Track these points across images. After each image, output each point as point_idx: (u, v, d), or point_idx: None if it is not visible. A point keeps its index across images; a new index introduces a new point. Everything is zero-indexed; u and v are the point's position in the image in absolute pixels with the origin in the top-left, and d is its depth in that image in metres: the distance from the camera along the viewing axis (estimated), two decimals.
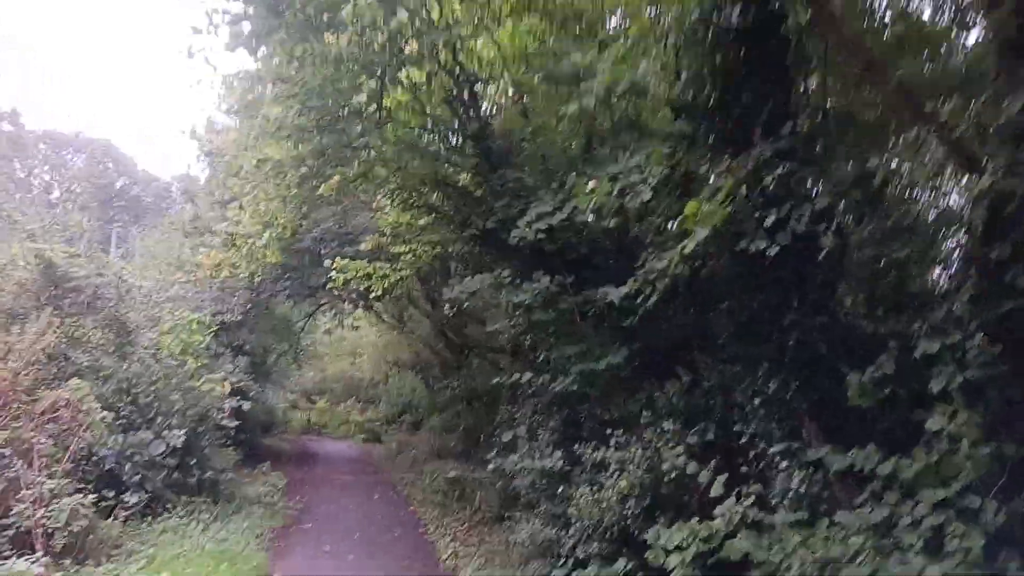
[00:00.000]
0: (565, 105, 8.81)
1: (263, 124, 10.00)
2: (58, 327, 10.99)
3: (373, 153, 10.15)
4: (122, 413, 11.23)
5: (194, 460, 12.31)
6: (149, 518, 11.00)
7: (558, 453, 9.46)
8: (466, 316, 20.24)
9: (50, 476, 8.79)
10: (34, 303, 11.09)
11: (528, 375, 9.63)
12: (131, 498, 10.72)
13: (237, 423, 16.44)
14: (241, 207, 13.10)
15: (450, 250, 15.99)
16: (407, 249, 16.21)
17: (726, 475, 6.98)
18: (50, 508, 7.94)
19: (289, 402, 34.56)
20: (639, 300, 7.63)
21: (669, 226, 7.49)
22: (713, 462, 7.26)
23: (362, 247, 16.27)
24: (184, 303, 15.52)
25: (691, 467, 7.38)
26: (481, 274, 9.33)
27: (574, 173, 9.39)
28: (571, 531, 8.83)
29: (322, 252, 17.63)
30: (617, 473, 8.22)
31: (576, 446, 9.57)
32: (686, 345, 8.88)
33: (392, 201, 13.18)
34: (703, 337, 8.58)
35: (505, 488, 13.86)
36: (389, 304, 27.10)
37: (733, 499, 6.70)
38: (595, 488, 8.42)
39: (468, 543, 12.24)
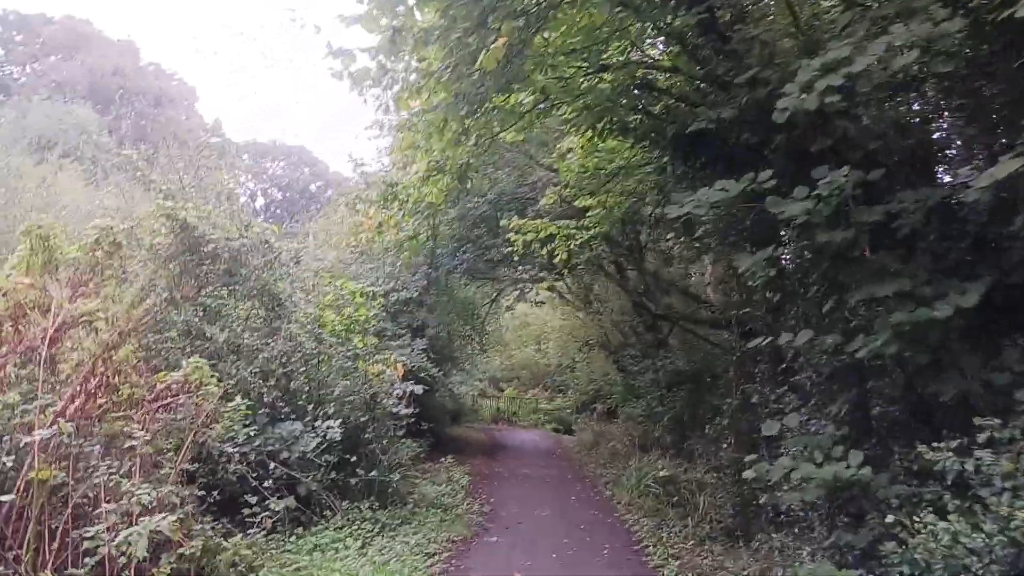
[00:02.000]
0: None
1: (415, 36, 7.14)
2: (191, 297, 8.76)
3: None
4: (265, 400, 8.82)
5: (357, 456, 9.76)
6: (300, 530, 8.52)
7: (858, 454, 5.80)
8: (665, 284, 16.74)
9: (155, 482, 6.39)
10: (166, 271, 8.93)
11: (803, 336, 6.00)
12: (276, 505, 8.25)
13: (415, 411, 14.02)
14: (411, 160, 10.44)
15: (652, 191, 12.60)
16: (595, 202, 13.01)
17: None
18: (130, 530, 5.40)
19: (478, 390, 32.45)
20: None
21: None
22: None
23: (542, 202, 13.23)
24: (349, 276, 13.17)
25: None
26: (725, 179, 5.80)
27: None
28: None
29: (499, 217, 14.73)
30: (1006, 494, 4.48)
31: (896, 444, 5.91)
32: None
33: (578, 129, 9.92)
34: None
35: (743, 495, 10.30)
36: (573, 283, 24.26)
37: None
38: (958, 513, 4.72)
39: (699, 567, 8.76)
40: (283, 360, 9.39)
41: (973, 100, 6.36)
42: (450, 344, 21.75)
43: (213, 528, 7.07)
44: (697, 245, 16.40)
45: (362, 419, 10.14)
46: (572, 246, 13.39)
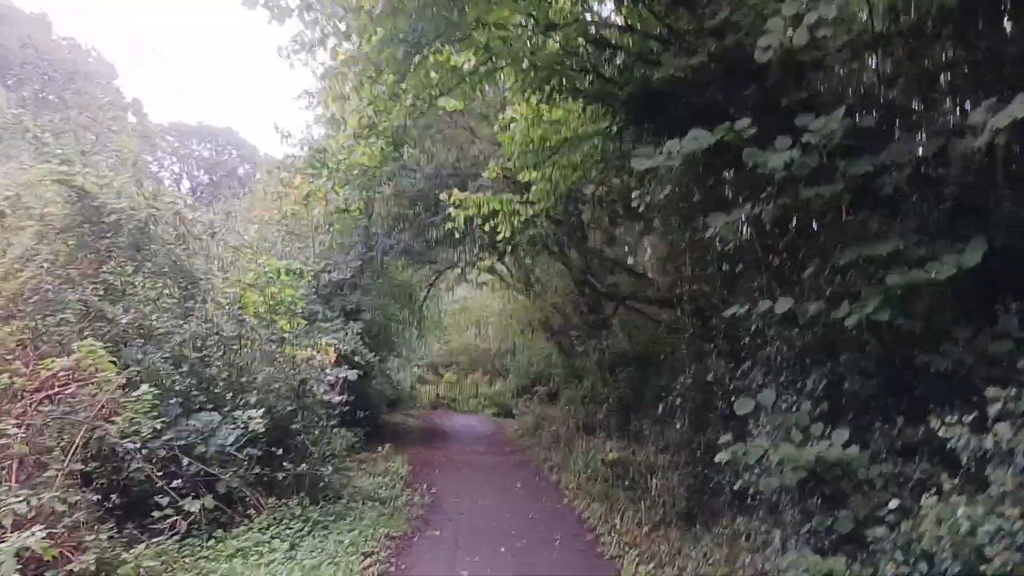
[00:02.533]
0: None
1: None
2: (89, 273, 7.66)
3: None
4: (177, 389, 7.80)
5: (284, 448, 8.82)
6: (220, 532, 7.55)
7: (843, 432, 5.21)
8: (610, 263, 16.16)
9: (38, 487, 5.37)
10: (60, 244, 7.78)
11: (782, 304, 5.37)
12: (191, 506, 7.26)
13: (350, 398, 13.09)
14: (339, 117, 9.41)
15: (599, 164, 11.93)
16: (539, 176, 12.26)
17: None
18: None
19: (416, 376, 31.45)
20: None
21: None
22: None
23: (484, 175, 12.41)
24: (275, 255, 12.10)
25: None
26: (695, 130, 5.10)
27: None
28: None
29: (438, 194, 13.83)
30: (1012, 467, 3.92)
31: (875, 421, 5.36)
32: None
33: (524, 93, 9.13)
34: None
35: (698, 476, 9.77)
36: (514, 265, 23.53)
37: None
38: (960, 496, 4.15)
39: (657, 555, 8.16)
40: (197, 344, 8.36)
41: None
42: (387, 329, 20.76)
43: (113, 537, 6.09)
44: (642, 221, 15.97)
45: (289, 408, 9.18)
46: (516, 223, 12.62)
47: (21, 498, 4.90)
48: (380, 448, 13.44)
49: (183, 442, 7.49)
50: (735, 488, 8.67)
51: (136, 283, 8.10)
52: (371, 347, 16.88)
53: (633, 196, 7.88)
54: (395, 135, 8.56)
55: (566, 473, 12.85)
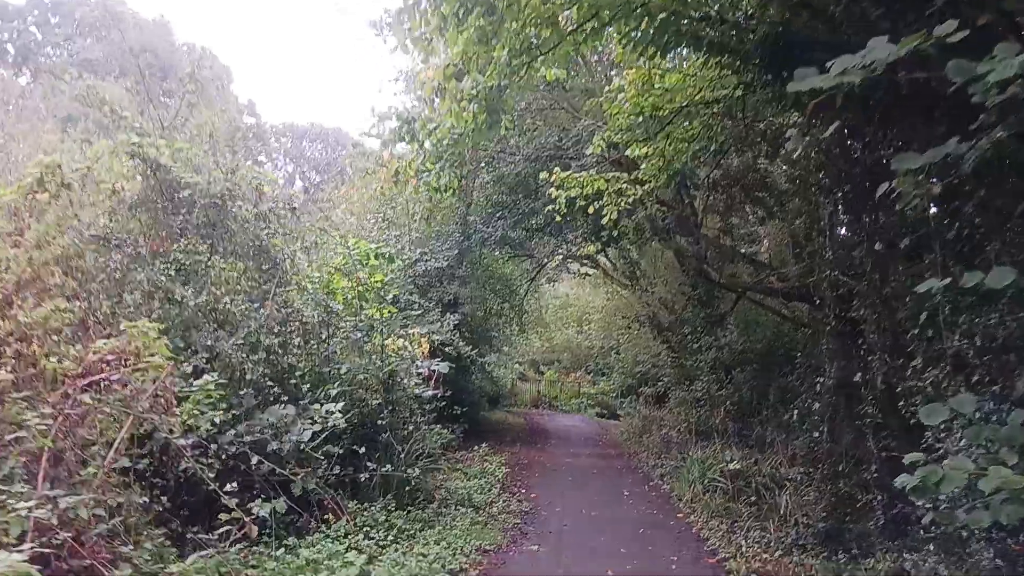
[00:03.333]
0: None
1: None
2: (161, 252, 6.98)
3: None
4: (248, 379, 7.00)
5: (368, 446, 7.93)
6: (292, 539, 6.71)
7: None
8: (728, 251, 14.57)
9: (74, 486, 4.60)
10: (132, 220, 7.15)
11: (1000, 276, 3.92)
12: (261, 509, 6.43)
13: (447, 394, 12.20)
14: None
15: (719, 136, 10.52)
16: (650, 150, 10.95)
17: None
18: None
19: (517, 372, 30.51)
20: None
21: None
22: None
23: (588, 151, 11.19)
24: (369, 241, 11.30)
25: None
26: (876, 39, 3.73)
27: None
28: None
29: (538, 178, 12.72)
30: None
31: None
32: None
33: (635, 47, 7.85)
34: None
35: (841, 494, 8.23)
36: (618, 258, 22.17)
37: None
38: None
39: None
40: (275, 331, 7.57)
41: None
42: (486, 323, 19.89)
43: (166, 544, 5.30)
44: (763, 206, 14.31)
45: (376, 402, 8.29)
46: (623, 204, 11.34)
47: (34, 501, 4.09)
48: (477, 447, 12.47)
49: (254, 437, 6.67)
50: (894, 511, 7.18)
51: (210, 263, 7.39)
52: (469, 341, 16.01)
53: (787, 135, 6.40)
54: (489, 99, 7.48)
55: (679, 483, 11.46)
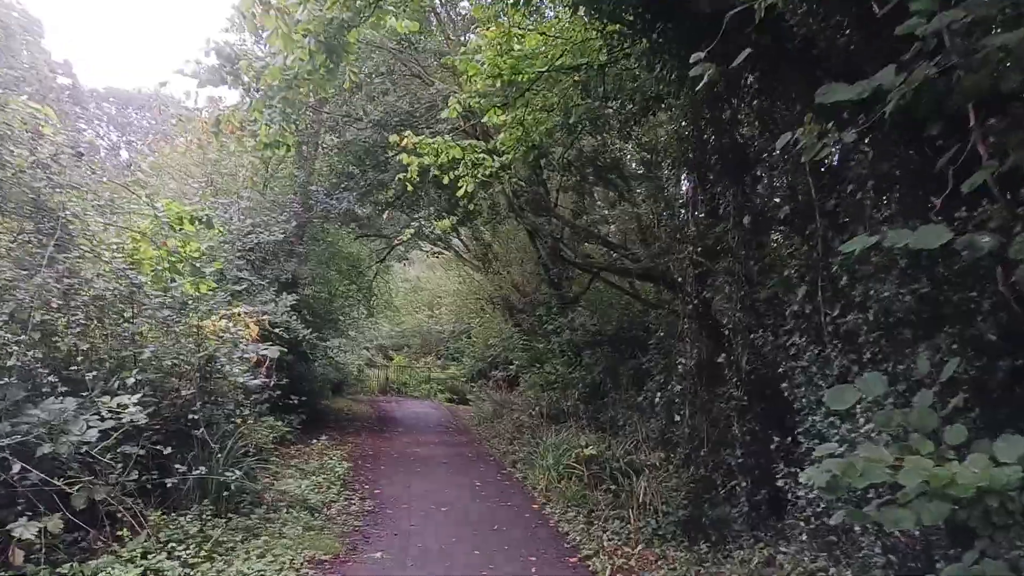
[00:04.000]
0: None
1: None
2: None
3: None
4: (9, 364, 5.50)
5: (176, 445, 6.61)
6: (72, 564, 5.33)
7: (1017, 443, 3.30)
8: (582, 231, 14.16)
9: None
10: None
11: (895, 236, 3.39)
12: (23, 531, 5.01)
13: (282, 382, 10.92)
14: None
15: (581, 108, 9.96)
16: (509, 119, 10.21)
17: None
18: None
19: (364, 358, 29.07)
20: None
21: None
22: None
23: (443, 114, 10.25)
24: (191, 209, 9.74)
25: None
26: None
27: None
28: None
29: (388, 145, 11.63)
30: None
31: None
32: None
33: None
34: None
35: (700, 480, 7.88)
36: (471, 239, 21.49)
37: None
38: None
39: None
40: (55, 306, 6.06)
41: None
42: (330, 305, 18.50)
43: None
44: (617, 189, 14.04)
45: (189, 393, 6.95)
46: (479, 175, 10.51)
47: None
48: (316, 439, 11.25)
49: (18, 439, 5.21)
50: (756, 498, 6.87)
51: None
52: (311, 324, 14.68)
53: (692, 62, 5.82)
54: (328, 35, 6.37)
55: (533, 470, 10.86)
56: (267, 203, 12.75)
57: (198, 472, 6.45)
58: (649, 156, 12.75)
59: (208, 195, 11.63)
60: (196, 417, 6.78)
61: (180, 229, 7.75)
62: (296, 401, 12.11)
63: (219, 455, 6.87)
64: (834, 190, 5.14)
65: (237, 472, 6.85)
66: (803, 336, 5.19)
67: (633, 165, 13.93)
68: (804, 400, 5.03)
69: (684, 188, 10.91)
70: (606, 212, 14.66)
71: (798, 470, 5.04)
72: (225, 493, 6.98)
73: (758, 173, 6.77)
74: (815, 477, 3.49)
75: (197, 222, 7.76)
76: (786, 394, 5.34)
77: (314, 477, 9.49)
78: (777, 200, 6.17)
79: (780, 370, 5.46)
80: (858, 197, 4.52)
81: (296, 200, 13.16)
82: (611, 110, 10.62)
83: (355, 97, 13.22)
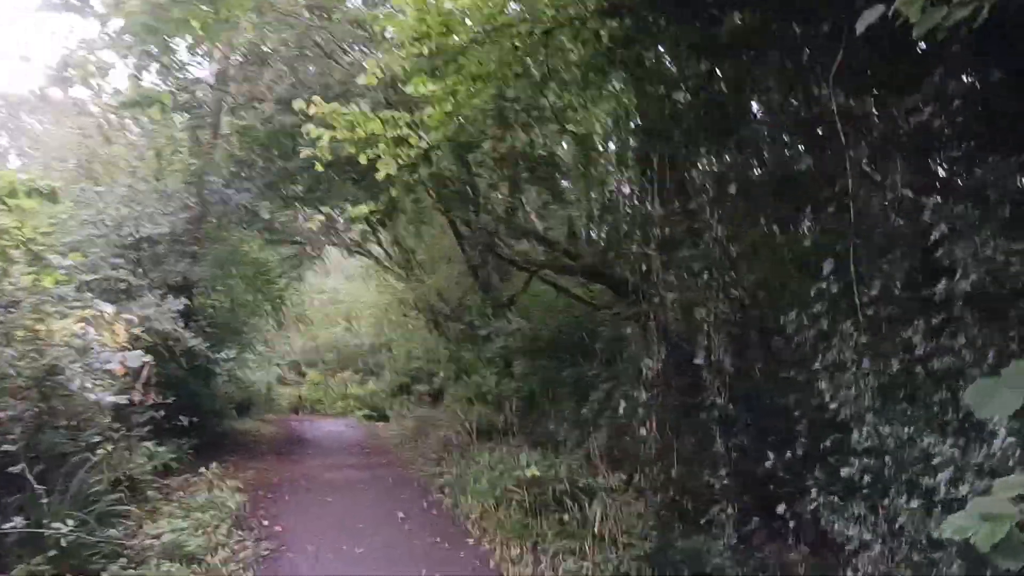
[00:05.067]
0: None
1: None
2: None
3: None
4: None
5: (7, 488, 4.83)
6: None
7: None
8: (517, 229, 12.81)
9: None
10: None
11: None
12: None
13: (167, 400, 9.15)
14: None
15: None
16: (439, 91, 8.78)
17: None
18: None
19: (275, 375, 26.78)
20: None
21: None
22: None
23: (360, 81, 8.70)
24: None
25: None
26: None
27: None
28: None
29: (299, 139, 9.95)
30: None
31: None
32: None
33: None
34: None
35: (669, 507, 6.57)
36: (392, 245, 19.92)
37: None
38: None
39: None
40: None
41: None
42: (233, 316, 16.50)
43: None
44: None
45: (5, 416, 5.15)
46: (403, 155, 8.99)
47: None
48: (205, 468, 9.38)
49: None
50: (747, 528, 5.61)
51: None
52: (212, 337, 12.80)
53: None
54: None
55: (465, 496, 9.30)
56: (153, 192, 10.85)
57: (11, 524, 4.66)
58: (585, 149, 11.72)
59: (80, 181, 9.70)
60: (14, 449, 4.98)
61: (14, 204, 5.94)
62: (187, 423, 10.27)
63: (44, 499, 5.07)
64: (868, 134, 3.94)
65: (70, 522, 5.06)
66: (834, 324, 3.94)
67: (569, 159, 12.82)
68: (848, 409, 3.75)
69: (632, 174, 9.81)
70: (540, 209, 13.41)
71: (835, 499, 3.77)
72: (64, 545, 5.19)
73: (744, 134, 5.57)
74: (958, 530, 2.17)
75: (37, 194, 5.96)
76: (819, 400, 4.05)
77: (199, 514, 7.66)
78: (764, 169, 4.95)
79: (806, 371, 4.19)
80: (936, 125, 3.29)
81: (190, 191, 11.30)
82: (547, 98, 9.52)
83: (262, 77, 11.55)
